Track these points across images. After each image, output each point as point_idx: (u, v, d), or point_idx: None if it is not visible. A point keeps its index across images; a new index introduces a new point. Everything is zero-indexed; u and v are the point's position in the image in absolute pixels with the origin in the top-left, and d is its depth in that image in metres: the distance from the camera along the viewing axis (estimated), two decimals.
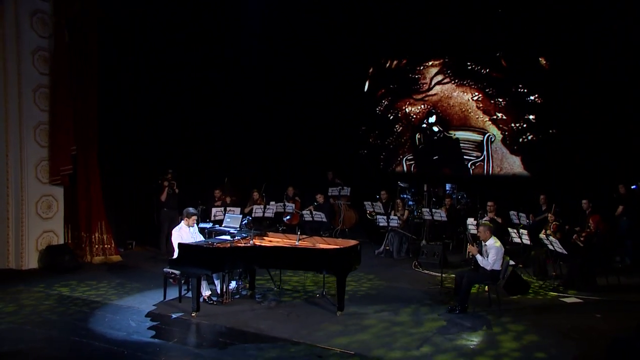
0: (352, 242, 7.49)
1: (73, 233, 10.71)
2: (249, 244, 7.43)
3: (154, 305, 7.59)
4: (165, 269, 7.82)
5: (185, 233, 7.69)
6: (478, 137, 14.28)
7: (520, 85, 13.64)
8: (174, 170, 11.40)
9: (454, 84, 14.65)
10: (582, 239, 8.80)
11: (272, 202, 12.34)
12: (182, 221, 7.84)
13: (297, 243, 7.52)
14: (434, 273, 9.70)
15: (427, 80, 15.04)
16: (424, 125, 15.13)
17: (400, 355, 5.89)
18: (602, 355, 5.78)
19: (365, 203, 12.61)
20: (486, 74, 14.12)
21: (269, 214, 11.79)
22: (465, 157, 14.48)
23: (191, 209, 7.93)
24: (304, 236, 7.72)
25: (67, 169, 10.13)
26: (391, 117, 15.63)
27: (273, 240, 7.92)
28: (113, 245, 10.73)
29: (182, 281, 7.78)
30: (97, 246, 10.56)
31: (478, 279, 7.55)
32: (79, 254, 10.35)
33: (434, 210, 11.48)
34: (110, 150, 11.15)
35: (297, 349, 6.03)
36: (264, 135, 14.75)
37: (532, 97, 13.51)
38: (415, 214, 12.15)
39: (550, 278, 8.88)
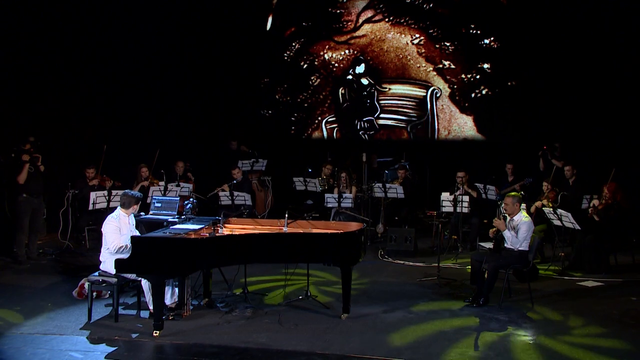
0: (356, 225, 7.90)
1: None
2: (222, 234, 7.49)
3: (80, 329, 7.31)
4: (92, 276, 7.59)
5: (124, 225, 7.64)
6: (420, 92, 15.21)
7: (473, 26, 14.70)
8: (36, 138, 10.74)
9: (388, 22, 15.36)
10: (599, 208, 9.99)
11: (161, 183, 12.26)
12: (119, 209, 7.74)
13: (285, 229, 7.73)
14: (418, 264, 10.48)
15: (353, 17, 15.60)
16: (350, 77, 15.74)
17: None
18: None
19: (295, 179, 12.95)
20: (430, 10, 14.97)
21: (170, 197, 11.61)
22: (403, 117, 15.37)
23: (133, 193, 7.92)
24: (290, 220, 7.93)
25: None
26: (305, 65, 15.99)
27: (247, 227, 8.02)
28: None
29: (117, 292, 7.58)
30: None
31: (505, 262, 8.34)
32: None
33: (388, 185, 12.19)
34: None
35: None
36: (141, 91, 14.38)
37: (487, 41, 14.65)
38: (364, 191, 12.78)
39: (558, 259, 10.07)
